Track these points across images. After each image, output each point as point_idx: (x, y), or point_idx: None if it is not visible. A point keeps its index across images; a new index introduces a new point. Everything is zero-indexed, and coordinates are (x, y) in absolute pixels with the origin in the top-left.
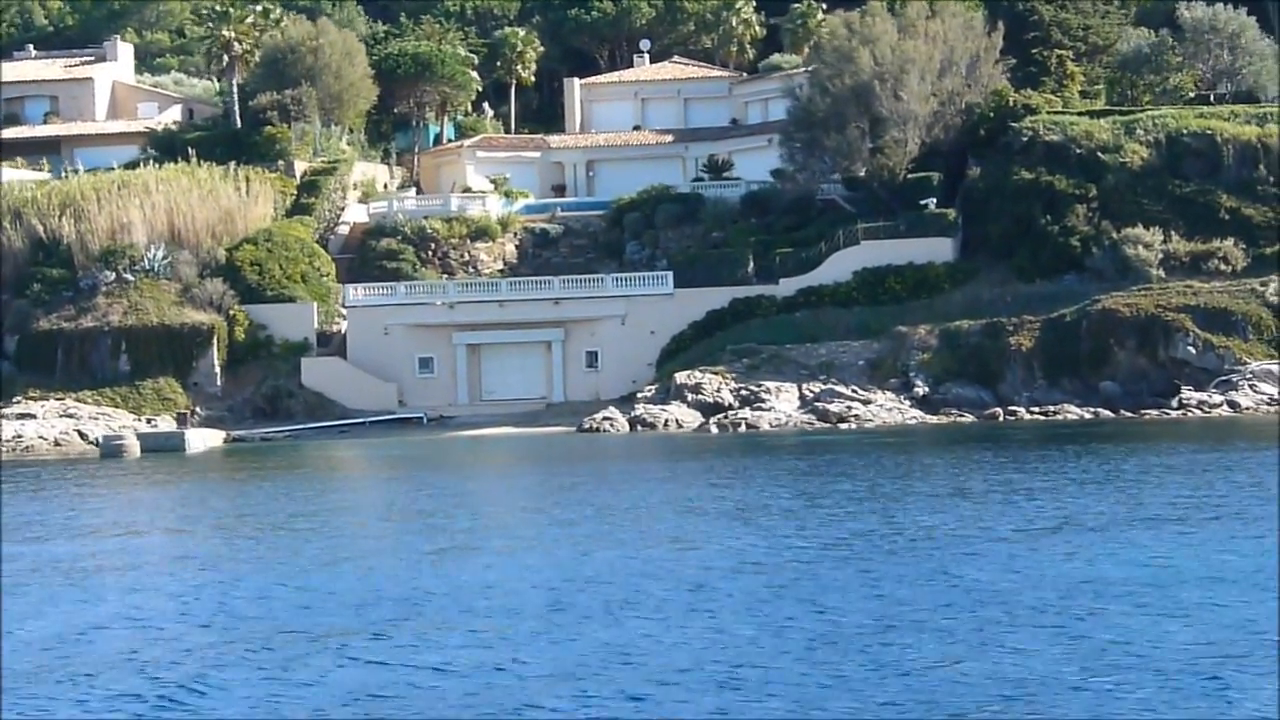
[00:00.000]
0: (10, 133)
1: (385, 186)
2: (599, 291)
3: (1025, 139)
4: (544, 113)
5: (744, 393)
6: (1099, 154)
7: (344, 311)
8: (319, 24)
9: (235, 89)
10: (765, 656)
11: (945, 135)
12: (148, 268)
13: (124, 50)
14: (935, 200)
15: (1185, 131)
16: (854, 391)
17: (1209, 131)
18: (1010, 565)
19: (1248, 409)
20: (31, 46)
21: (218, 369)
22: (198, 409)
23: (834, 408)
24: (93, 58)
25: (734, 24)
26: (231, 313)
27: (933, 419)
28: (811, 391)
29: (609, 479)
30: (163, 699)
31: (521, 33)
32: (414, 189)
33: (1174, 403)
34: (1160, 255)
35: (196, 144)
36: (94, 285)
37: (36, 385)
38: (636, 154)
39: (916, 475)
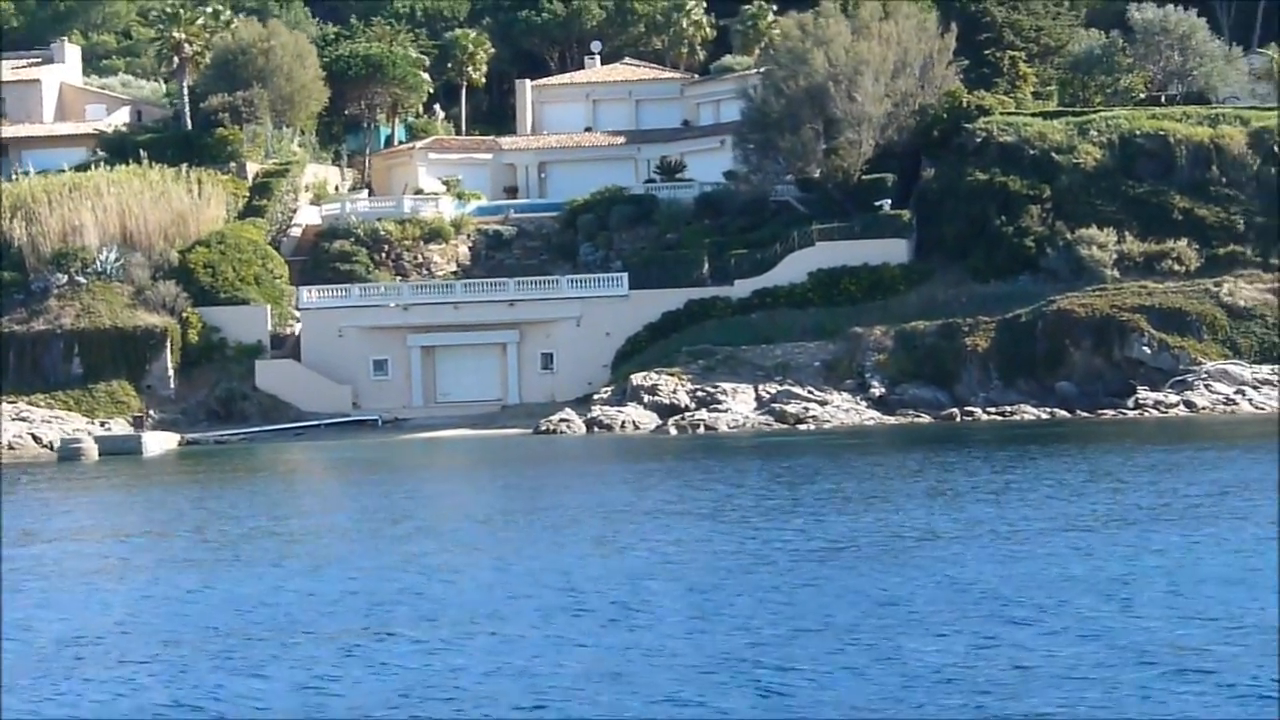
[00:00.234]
0: None
1: (336, 188)
2: (554, 293)
3: (979, 140)
4: (494, 114)
5: (700, 394)
6: (1053, 155)
7: (298, 314)
8: (270, 26)
9: (186, 91)
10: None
11: (899, 136)
12: (100, 270)
13: (71, 52)
14: (890, 201)
15: (1138, 132)
16: (810, 392)
17: (1162, 132)
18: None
19: (1204, 409)
20: None
21: (171, 372)
22: (151, 412)
23: (791, 409)
24: (40, 59)
25: (684, 25)
26: (185, 315)
27: (890, 420)
28: (768, 393)
29: (567, 482)
30: None
31: (472, 34)
32: (365, 191)
33: (1130, 403)
34: (1114, 256)
35: (148, 146)
36: (46, 288)
37: None
38: (588, 155)
39: (890, 476)
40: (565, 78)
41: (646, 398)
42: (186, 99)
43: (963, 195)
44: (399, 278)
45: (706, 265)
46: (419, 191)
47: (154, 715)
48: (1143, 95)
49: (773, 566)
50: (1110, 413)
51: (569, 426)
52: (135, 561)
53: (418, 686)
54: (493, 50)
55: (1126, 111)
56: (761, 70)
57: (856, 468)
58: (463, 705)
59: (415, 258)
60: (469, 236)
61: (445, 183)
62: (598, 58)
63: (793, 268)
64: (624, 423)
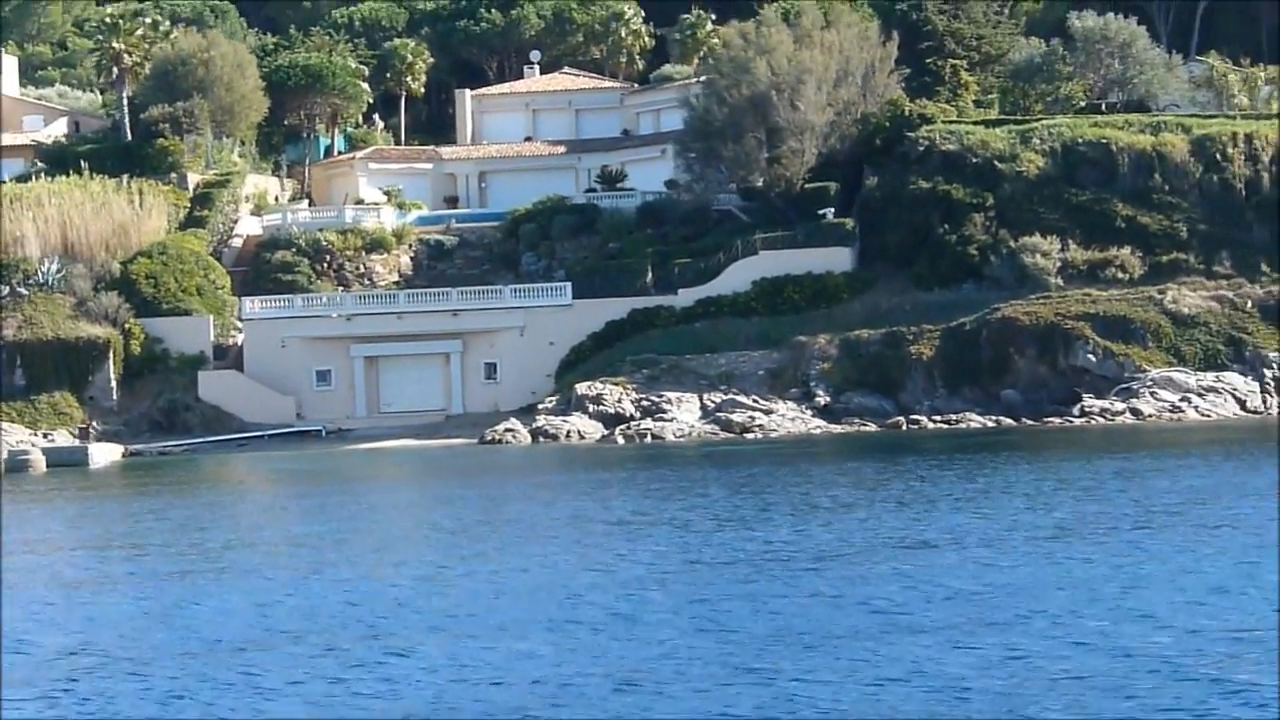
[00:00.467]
0: None
1: (276, 199)
2: (497, 303)
3: (922, 148)
4: (433, 124)
5: (645, 403)
6: (995, 163)
7: (240, 324)
8: (209, 36)
9: (125, 101)
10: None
11: (841, 145)
12: (42, 281)
13: (8, 63)
14: (833, 210)
15: (1080, 140)
16: (755, 401)
17: (1104, 140)
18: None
19: (1150, 416)
20: None
21: (114, 383)
22: (94, 423)
23: (737, 418)
24: None
25: (623, 35)
26: (127, 326)
27: (837, 428)
28: (713, 402)
29: (527, 493)
30: None
31: (411, 44)
32: (306, 201)
33: (1076, 411)
34: (1058, 264)
35: (88, 156)
36: None
37: None
38: (529, 165)
39: (856, 484)
40: (505, 87)
41: (591, 407)
42: (126, 110)
43: (906, 203)
44: (341, 288)
45: (650, 274)
46: (359, 201)
47: None
48: (1083, 103)
49: (762, 573)
50: (1057, 421)
51: (514, 436)
52: (122, 574)
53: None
54: (431, 60)
55: (1068, 120)
56: (703, 79)
57: (818, 476)
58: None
59: (357, 268)
60: (410, 246)
61: (386, 193)
62: (537, 67)
63: (736, 277)
64: (569, 432)
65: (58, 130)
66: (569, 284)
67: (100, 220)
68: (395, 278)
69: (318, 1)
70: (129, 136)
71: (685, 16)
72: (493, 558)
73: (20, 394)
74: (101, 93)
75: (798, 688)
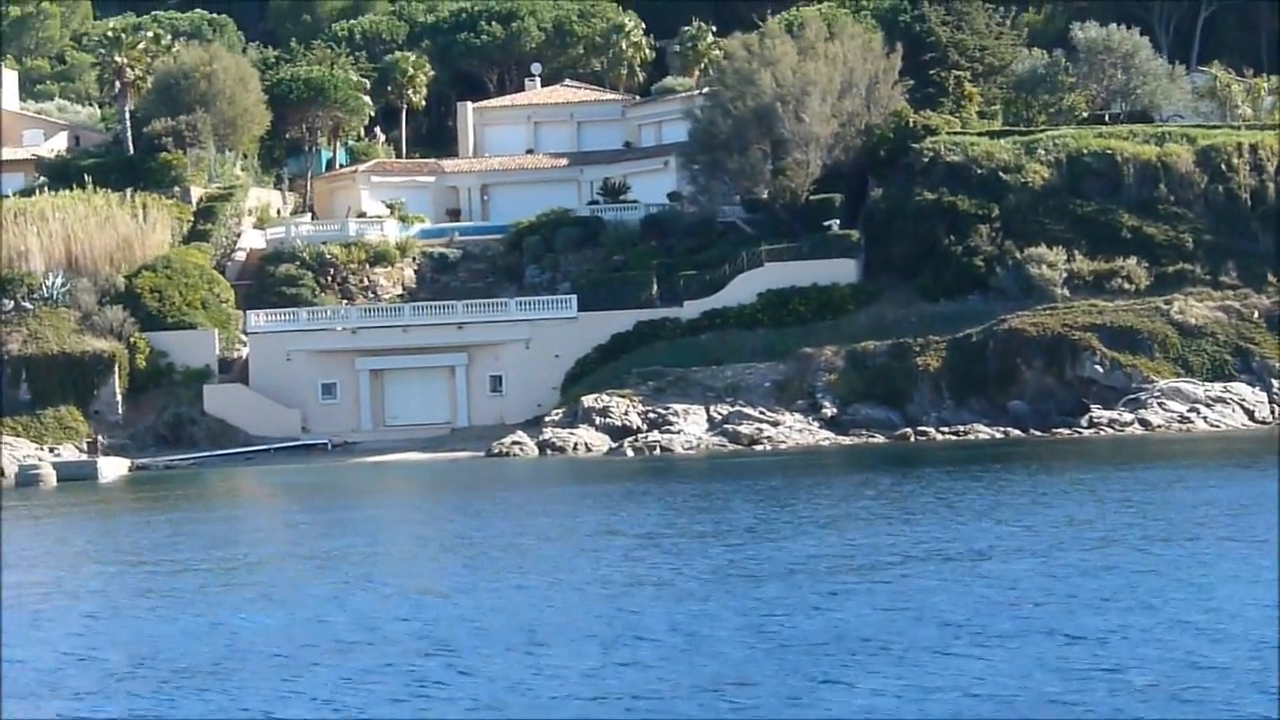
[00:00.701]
0: None
1: (279, 212)
2: (502, 315)
3: (926, 159)
4: (434, 137)
5: (652, 415)
6: (1000, 174)
7: (245, 338)
8: (212, 49)
9: (128, 115)
10: None
11: (846, 156)
12: (46, 295)
13: (8, 77)
14: (838, 222)
15: (1085, 151)
16: (762, 413)
17: (1109, 151)
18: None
19: (1159, 427)
20: None
21: (119, 397)
22: (100, 437)
23: (745, 430)
24: None
25: (624, 47)
26: (132, 340)
27: (845, 440)
28: (719, 414)
29: (545, 507)
30: None
31: (412, 57)
32: (308, 214)
33: (1084, 421)
34: (1064, 275)
35: (90, 171)
36: None
37: None
38: (531, 177)
39: (893, 496)
40: (506, 100)
41: (598, 419)
42: (128, 123)
43: (911, 215)
44: (345, 301)
45: (655, 286)
46: (362, 215)
47: None
48: (1085, 114)
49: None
50: (1065, 432)
51: (521, 449)
52: (166, 588)
53: None
54: (432, 73)
55: (1073, 130)
56: (706, 91)
57: (840, 487)
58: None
59: (361, 281)
60: (414, 259)
61: (389, 206)
62: (538, 80)
63: (742, 288)
64: (576, 445)
65: (58, 144)
66: (574, 296)
67: (104, 234)
68: (399, 291)
69: (317, 14)
70: (131, 150)
71: (686, 28)
72: (543, 571)
73: (25, 408)
74: (100, 106)
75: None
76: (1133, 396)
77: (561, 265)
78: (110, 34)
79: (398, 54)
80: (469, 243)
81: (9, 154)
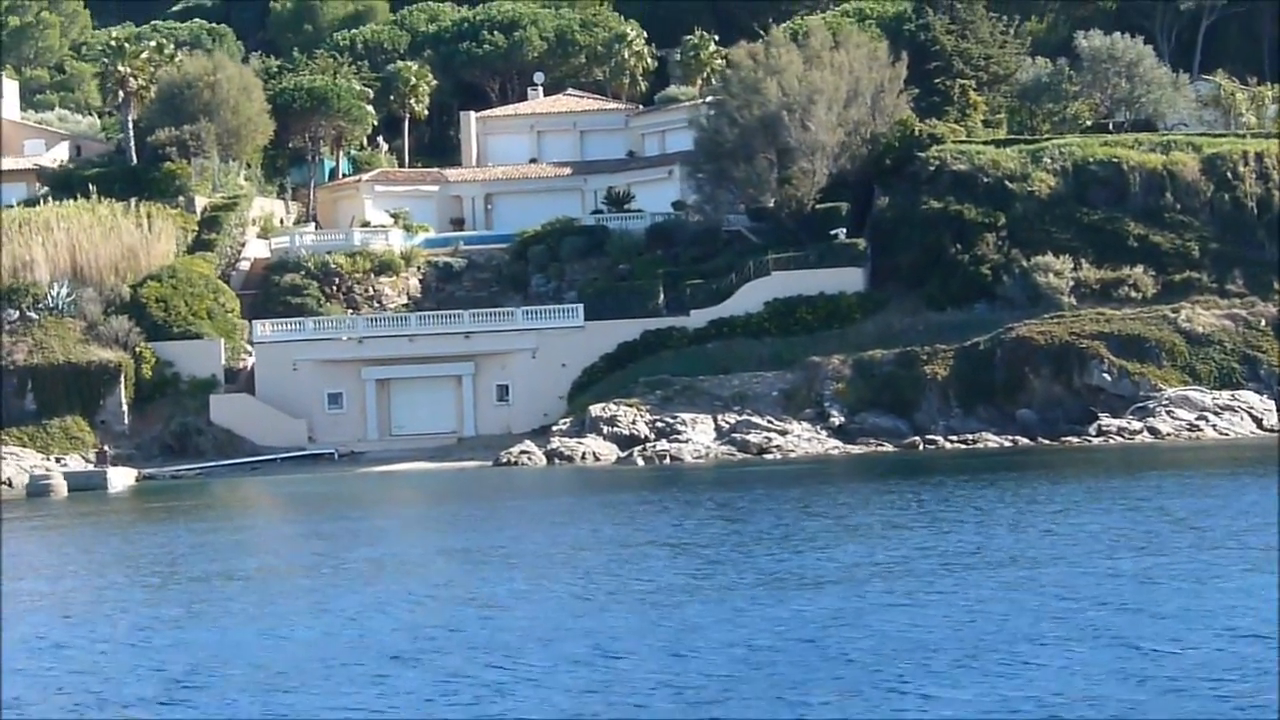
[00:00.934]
0: None
1: (282, 222)
2: (509, 325)
3: (933, 168)
4: (436, 146)
5: (660, 424)
6: (1006, 183)
7: (250, 348)
8: (216, 59)
9: (131, 125)
10: None
11: (851, 165)
12: (52, 305)
13: (9, 87)
14: (845, 230)
15: (1091, 160)
16: (769, 422)
17: (1115, 160)
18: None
19: (1168, 435)
20: None
21: (125, 407)
22: (106, 447)
23: (754, 439)
24: None
25: (626, 56)
26: (138, 350)
27: (854, 449)
28: (727, 423)
29: (570, 519)
30: None
31: (414, 66)
32: (312, 224)
33: (1093, 430)
34: (1071, 283)
35: (94, 180)
36: None
37: None
38: (535, 187)
39: (888, 504)
40: (509, 109)
41: (606, 429)
42: (131, 133)
43: (917, 223)
44: (350, 310)
45: (661, 296)
46: (366, 224)
47: None
48: (1089, 123)
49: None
50: (1075, 440)
51: (529, 458)
52: (229, 596)
53: None
54: (434, 82)
55: (1079, 139)
56: (710, 100)
57: (863, 495)
58: None
59: (366, 290)
60: (419, 269)
61: (393, 215)
62: (540, 89)
63: (748, 297)
64: (584, 454)
65: (59, 154)
66: (581, 305)
67: (109, 244)
68: (404, 300)
69: (319, 24)
70: (135, 160)
71: (688, 38)
72: (593, 580)
73: (31, 418)
74: (100, 116)
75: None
76: (1141, 405)
77: (567, 274)
78: (114, 43)
79: (400, 63)
80: (473, 252)
81: (10, 164)
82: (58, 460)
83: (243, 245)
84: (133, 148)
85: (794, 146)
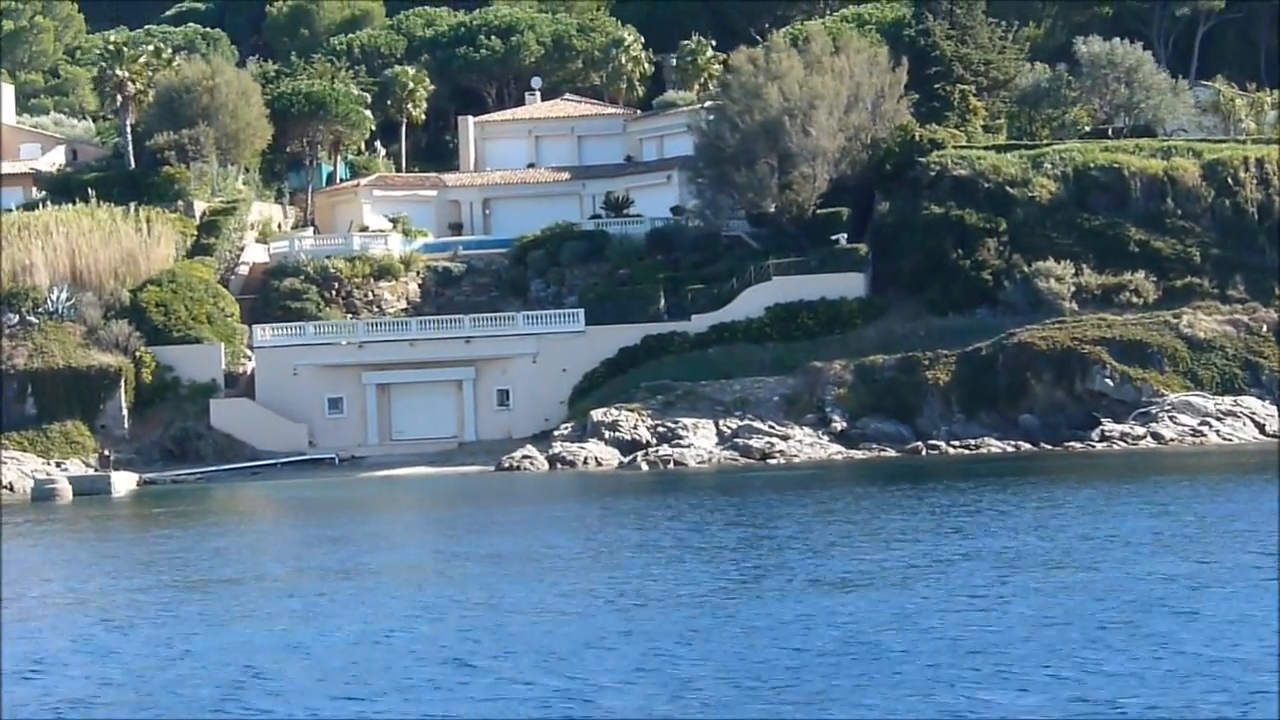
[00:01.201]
0: None
1: (280, 226)
2: (510, 330)
3: (933, 173)
4: (432, 150)
5: (661, 429)
6: (1007, 188)
7: (250, 352)
8: (214, 63)
9: (129, 129)
10: None
11: (852, 170)
12: (52, 310)
13: (5, 91)
14: (845, 236)
15: (1092, 165)
16: (771, 427)
17: (1115, 165)
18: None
19: (1172, 440)
20: None
21: (125, 411)
22: (107, 452)
23: (756, 444)
24: None
25: (623, 61)
26: (138, 354)
27: (857, 454)
28: (729, 428)
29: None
30: None
31: (412, 71)
32: (310, 228)
33: (1096, 435)
34: (1072, 288)
35: (92, 184)
36: None
37: None
38: (533, 191)
39: (921, 509)
40: (507, 114)
41: (607, 434)
42: (130, 137)
43: (918, 229)
44: (350, 315)
45: (662, 301)
46: (365, 229)
47: None
48: (1088, 128)
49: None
50: (1078, 445)
51: (531, 463)
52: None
53: None
54: (431, 87)
55: (1080, 144)
56: (709, 105)
57: (885, 500)
58: None
59: (365, 295)
60: (418, 273)
61: (392, 220)
62: (538, 94)
63: (749, 302)
64: (586, 459)
65: (55, 159)
66: (582, 310)
67: (108, 248)
68: (403, 305)
69: (315, 29)
70: (132, 164)
71: (685, 43)
72: (639, 584)
73: (31, 423)
74: (95, 120)
75: None
76: (1143, 410)
77: (567, 279)
78: (112, 47)
79: (397, 68)
80: (472, 256)
81: (7, 168)
82: (58, 465)
83: (241, 250)
84: (131, 152)
85: (795, 151)
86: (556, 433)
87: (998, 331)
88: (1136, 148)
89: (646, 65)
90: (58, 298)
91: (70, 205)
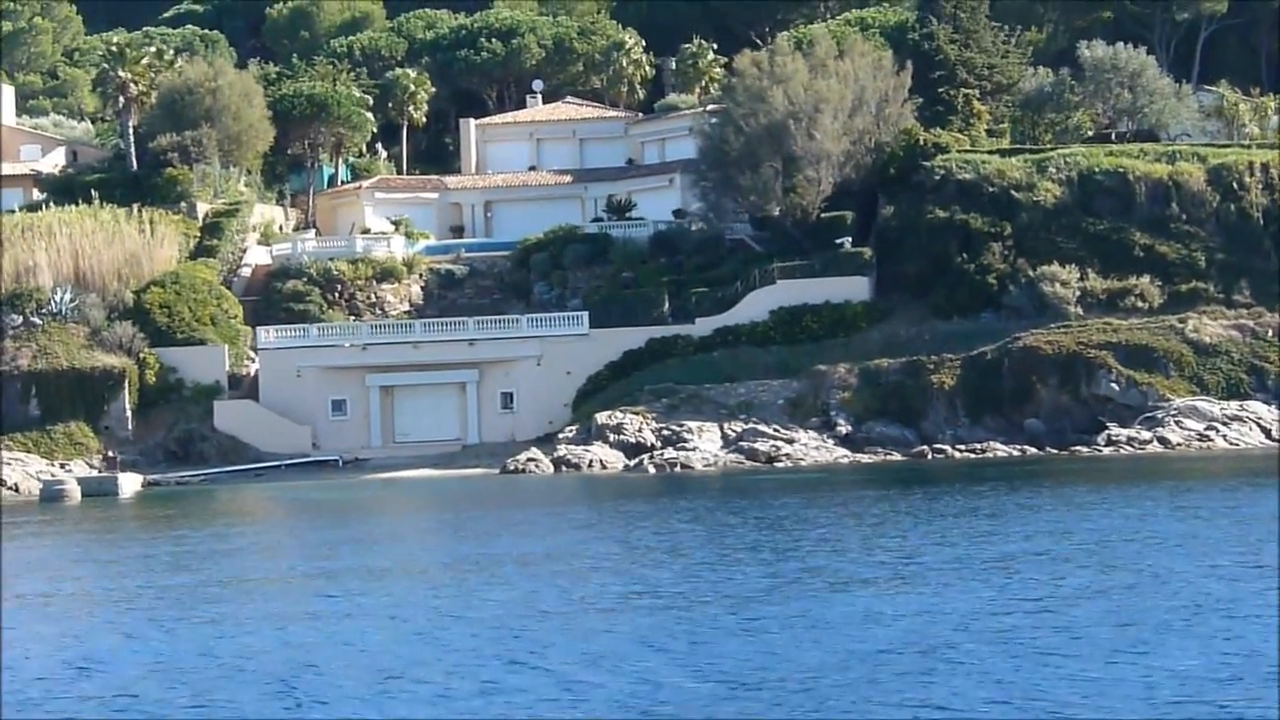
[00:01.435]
0: None
1: (281, 228)
2: (514, 332)
3: (938, 177)
4: (432, 153)
5: (666, 433)
6: (1012, 192)
7: (254, 354)
8: (217, 65)
9: (131, 130)
10: None
11: (856, 174)
12: (55, 311)
13: (5, 92)
14: (850, 239)
15: (1097, 170)
16: (776, 430)
17: (1120, 170)
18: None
19: (1179, 445)
20: None
21: (129, 413)
22: (111, 453)
23: (762, 447)
24: None
25: (624, 64)
26: (142, 356)
27: (863, 458)
28: (733, 431)
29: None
30: None
31: (413, 74)
32: (311, 230)
33: (1102, 439)
34: (1077, 293)
35: (95, 186)
36: (0, 329)
37: None
38: (535, 194)
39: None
40: (509, 116)
41: (612, 436)
42: (132, 139)
43: (923, 232)
44: (352, 317)
45: (667, 304)
46: (366, 231)
47: None
48: (1091, 133)
49: None
50: (1084, 450)
51: (536, 466)
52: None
53: None
54: (433, 90)
55: (1084, 149)
56: (712, 108)
57: (911, 503)
58: None
59: (368, 297)
60: (421, 276)
61: (394, 222)
62: (539, 96)
63: (754, 306)
64: (591, 462)
65: (55, 160)
66: (586, 313)
67: (112, 249)
68: (406, 307)
69: (315, 31)
70: (135, 166)
71: (686, 46)
72: (703, 584)
73: (35, 424)
74: (94, 122)
75: None
76: (1149, 415)
77: (570, 282)
78: (114, 48)
79: (398, 71)
80: (475, 259)
81: (8, 169)
82: (62, 466)
83: (244, 251)
84: (133, 153)
85: (799, 155)
86: (561, 435)
87: (1003, 335)
88: (1141, 152)
89: (647, 68)
90: (61, 299)
91: (73, 206)
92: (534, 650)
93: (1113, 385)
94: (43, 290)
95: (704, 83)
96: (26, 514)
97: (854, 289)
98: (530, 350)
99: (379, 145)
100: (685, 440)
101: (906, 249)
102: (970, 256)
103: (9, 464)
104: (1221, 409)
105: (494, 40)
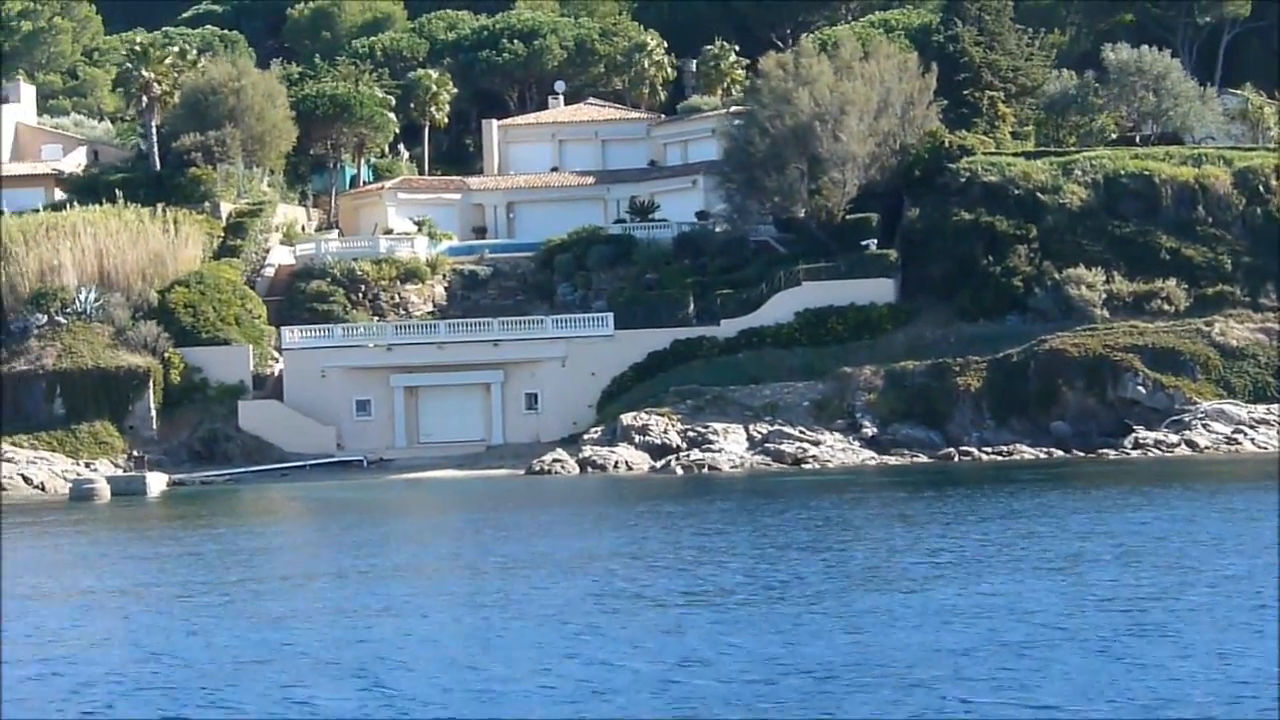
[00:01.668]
0: None
1: (304, 229)
2: (539, 333)
3: (963, 180)
4: (454, 154)
5: (691, 434)
6: (1038, 194)
7: (278, 354)
8: (240, 65)
9: (154, 130)
10: None
11: (881, 176)
12: (80, 310)
13: (26, 92)
14: (875, 241)
15: (1123, 172)
16: (801, 432)
17: (1146, 172)
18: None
19: (1206, 448)
20: None
21: (153, 412)
22: (136, 452)
23: (788, 449)
24: None
25: (646, 66)
26: (166, 355)
27: (890, 460)
28: (759, 433)
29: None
30: None
31: (435, 75)
32: (334, 231)
33: (1129, 442)
34: (1103, 295)
35: (119, 186)
36: (25, 328)
37: None
38: (558, 196)
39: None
40: (531, 118)
41: (637, 438)
42: (155, 139)
43: (948, 235)
44: (376, 318)
45: (691, 305)
46: (389, 231)
47: None
48: (1115, 135)
49: None
50: (1111, 453)
51: (562, 467)
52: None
53: None
54: (454, 90)
55: (1110, 151)
56: (736, 110)
57: (940, 506)
58: None
59: (392, 298)
60: (444, 276)
61: (417, 223)
62: (561, 98)
63: (779, 308)
64: (617, 463)
65: (76, 159)
66: (610, 314)
67: (136, 249)
68: (429, 308)
69: (336, 31)
70: (158, 165)
71: (709, 47)
72: (771, 584)
73: (60, 423)
74: (114, 121)
75: None
76: (1176, 418)
77: (594, 283)
78: (137, 48)
79: (420, 71)
80: (498, 260)
81: (28, 169)
82: (87, 465)
83: (267, 252)
84: (156, 153)
85: (825, 157)
86: (586, 436)
87: (1028, 338)
88: (1166, 155)
89: (669, 70)
90: (86, 298)
91: (97, 206)
92: (633, 648)
93: (1139, 388)
94: (67, 290)
95: (726, 84)
96: (56, 513)
97: (879, 291)
98: (555, 351)
99: (401, 146)
100: (711, 442)
101: (932, 251)
102: (996, 259)
103: (34, 463)
104: (1249, 412)
105: (516, 41)
